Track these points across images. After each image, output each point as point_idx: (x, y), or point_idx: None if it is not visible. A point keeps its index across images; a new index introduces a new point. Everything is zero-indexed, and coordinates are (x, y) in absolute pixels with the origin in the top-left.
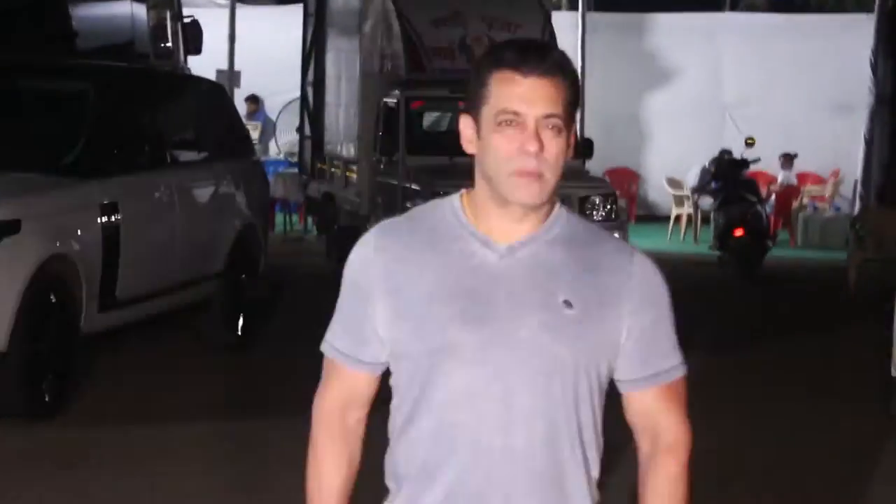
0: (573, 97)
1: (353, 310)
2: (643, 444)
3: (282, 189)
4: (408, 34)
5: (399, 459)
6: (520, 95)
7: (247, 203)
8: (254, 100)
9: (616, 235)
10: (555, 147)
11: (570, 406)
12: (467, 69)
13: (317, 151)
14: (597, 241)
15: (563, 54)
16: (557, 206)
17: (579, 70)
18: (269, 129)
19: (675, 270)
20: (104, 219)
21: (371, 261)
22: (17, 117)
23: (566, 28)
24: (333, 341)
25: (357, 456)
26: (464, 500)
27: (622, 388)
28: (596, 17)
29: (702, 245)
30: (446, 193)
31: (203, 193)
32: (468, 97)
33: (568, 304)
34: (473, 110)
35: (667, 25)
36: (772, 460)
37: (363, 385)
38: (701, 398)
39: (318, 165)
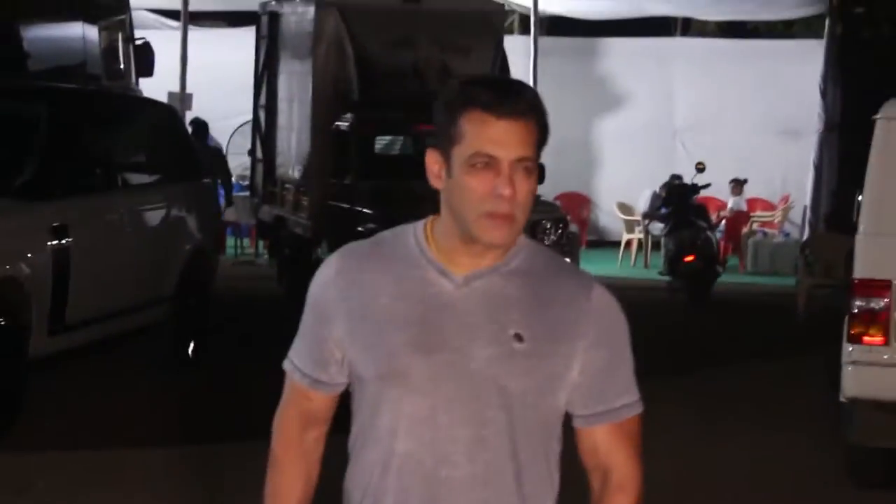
0: (543, 137)
1: (313, 330)
2: (594, 482)
3: (233, 212)
4: (360, 57)
5: (351, 483)
6: (494, 139)
7: (198, 226)
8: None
9: (581, 269)
10: (526, 188)
11: (517, 440)
12: (419, 92)
13: (268, 175)
14: (556, 274)
15: (535, 94)
16: (521, 238)
17: None
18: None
19: (625, 296)
20: (54, 242)
21: (332, 282)
22: None
23: (518, 52)
24: (295, 359)
25: (315, 475)
26: None
27: (575, 423)
28: (548, 41)
29: (652, 270)
30: (398, 217)
31: (154, 216)
32: (437, 132)
33: (518, 337)
34: (443, 147)
35: (618, 50)
36: (721, 485)
37: (321, 405)
38: (649, 423)
39: (270, 189)
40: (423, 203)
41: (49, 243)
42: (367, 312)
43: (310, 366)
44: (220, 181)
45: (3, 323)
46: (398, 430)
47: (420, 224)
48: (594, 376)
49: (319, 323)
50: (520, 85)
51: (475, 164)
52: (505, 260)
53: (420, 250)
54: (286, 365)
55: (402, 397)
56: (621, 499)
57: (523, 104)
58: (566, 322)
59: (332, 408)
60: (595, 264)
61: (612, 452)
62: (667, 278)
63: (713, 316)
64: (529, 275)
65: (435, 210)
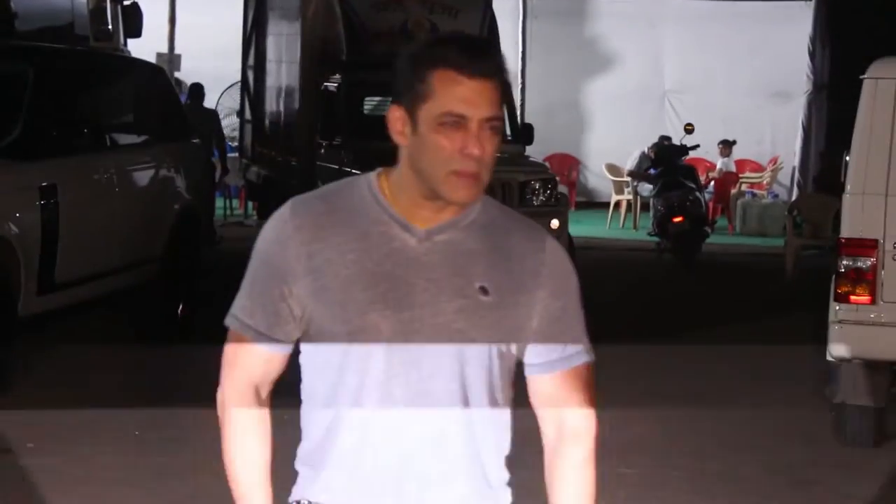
0: (507, 94)
1: (268, 287)
2: (548, 431)
3: (231, 177)
4: (349, 18)
5: (315, 445)
6: (465, 98)
7: (187, 186)
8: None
9: (530, 220)
10: (492, 147)
11: (485, 391)
12: None
13: (257, 135)
14: (512, 227)
15: (500, 54)
16: None
17: (520, 55)
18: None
19: (614, 257)
20: (43, 201)
21: (289, 238)
22: None
23: (507, 13)
24: (244, 318)
25: (270, 430)
26: (382, 487)
27: (528, 372)
28: (537, 2)
29: (641, 231)
30: None
31: (142, 176)
32: (401, 88)
33: (484, 290)
34: (408, 104)
35: (607, 11)
36: (709, 446)
37: (275, 364)
38: (638, 385)
39: (259, 149)
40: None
41: (37, 203)
42: (332, 270)
43: (263, 325)
44: (214, 145)
45: None
46: (369, 386)
47: (370, 178)
48: (549, 325)
49: (276, 279)
50: (487, 44)
51: (445, 122)
52: (463, 213)
53: (378, 204)
54: (231, 323)
55: (372, 354)
56: (577, 448)
57: (492, 64)
58: (526, 273)
59: (283, 367)
60: (584, 225)
61: (565, 400)
62: (655, 239)
63: (701, 277)
64: (487, 228)
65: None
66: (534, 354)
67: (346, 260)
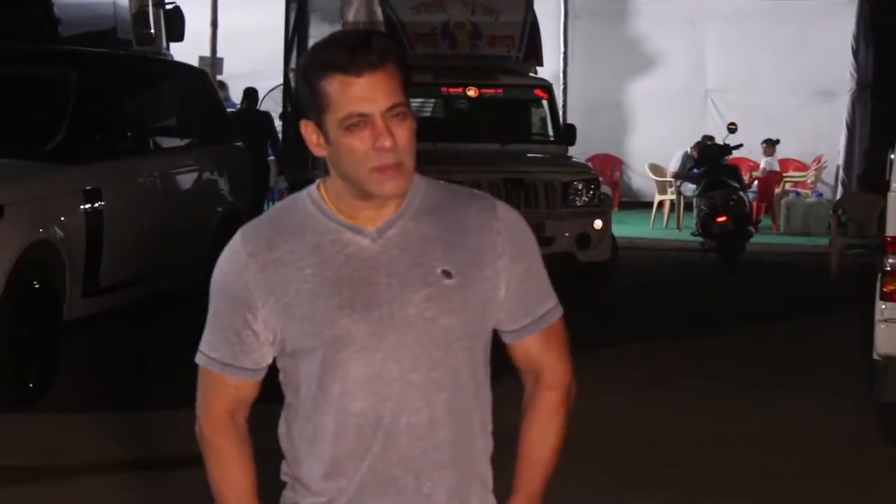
0: (405, 74)
1: (229, 318)
2: (527, 382)
3: (284, 179)
4: (390, 20)
5: (303, 458)
6: (360, 96)
7: (230, 188)
8: (221, 86)
9: (475, 191)
10: (405, 132)
11: (467, 372)
12: (450, 55)
13: (301, 138)
14: (460, 204)
15: (383, 37)
16: (413, 177)
17: (562, 56)
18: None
19: (657, 257)
20: (87, 205)
21: (245, 266)
22: (1, 104)
23: (549, 14)
24: (210, 352)
25: (251, 453)
26: (378, 486)
27: (505, 339)
28: (578, 2)
29: (684, 231)
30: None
31: (186, 179)
32: (304, 103)
33: (447, 273)
34: (315, 116)
35: (649, 11)
36: (753, 446)
37: (248, 391)
38: (682, 384)
39: (301, 152)
40: (451, 163)
41: (82, 206)
42: (294, 287)
43: (229, 355)
44: (270, 146)
45: (37, 286)
46: (351, 391)
47: (311, 191)
48: (517, 290)
49: (237, 309)
50: (367, 35)
51: (349, 125)
52: (407, 202)
53: (324, 215)
54: (200, 360)
55: (349, 359)
56: (551, 395)
57: (375, 54)
58: (483, 246)
59: (257, 391)
60: (627, 226)
61: (542, 356)
62: (699, 239)
63: (745, 277)
64: (436, 210)
65: (466, 168)
66: (508, 322)
67: (305, 275)
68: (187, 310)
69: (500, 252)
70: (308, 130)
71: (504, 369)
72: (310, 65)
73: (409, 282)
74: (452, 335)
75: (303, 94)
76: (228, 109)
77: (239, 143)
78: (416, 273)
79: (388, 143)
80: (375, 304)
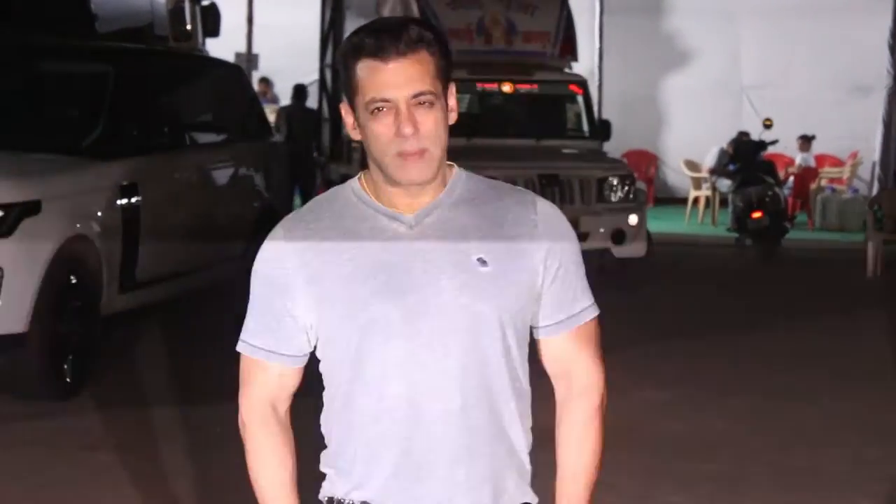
0: (441, 61)
1: (270, 305)
2: (559, 389)
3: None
4: (425, 15)
5: (341, 445)
6: (385, 82)
7: (266, 185)
8: (265, 82)
9: (515, 186)
10: (430, 120)
11: (501, 361)
12: (485, 50)
13: (335, 134)
14: (499, 196)
15: (419, 25)
16: (455, 169)
17: (597, 51)
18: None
19: (693, 253)
20: (124, 200)
21: (284, 253)
22: (38, 99)
23: (583, 9)
24: (251, 340)
25: (293, 444)
26: (412, 471)
27: (537, 335)
28: None
29: (720, 227)
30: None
31: (222, 175)
32: (342, 86)
33: (482, 261)
34: (349, 99)
35: (685, 6)
36: (791, 440)
37: (290, 378)
38: (719, 379)
39: (337, 148)
40: (485, 158)
41: (119, 201)
42: (330, 273)
43: (271, 342)
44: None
45: (74, 281)
46: (385, 377)
47: (354, 180)
48: (553, 286)
49: (277, 296)
50: (402, 22)
51: (373, 109)
52: (447, 191)
53: (363, 202)
54: (242, 347)
55: (384, 344)
56: (584, 401)
57: (405, 41)
58: (521, 238)
59: (299, 379)
60: (663, 221)
61: (574, 358)
62: (735, 235)
63: (781, 272)
64: (474, 201)
65: (500, 164)
66: (542, 317)
67: (342, 260)
68: (224, 305)
69: (538, 246)
70: (345, 112)
71: (543, 368)
72: (346, 48)
73: (444, 269)
74: (486, 323)
75: (342, 78)
76: (274, 105)
77: (275, 139)
78: (452, 260)
79: (408, 129)
80: (410, 289)
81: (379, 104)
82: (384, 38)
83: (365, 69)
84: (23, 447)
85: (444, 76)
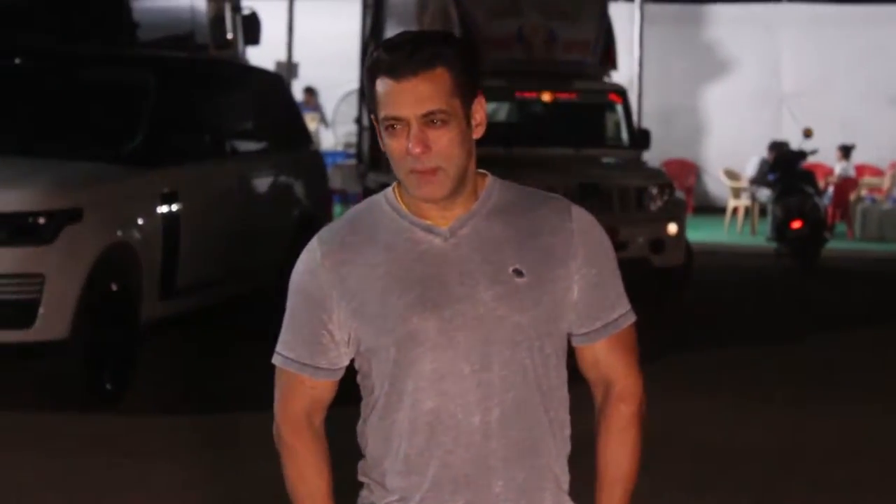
0: (462, 77)
1: (306, 318)
2: (597, 395)
3: (340, 180)
4: (466, 25)
5: (378, 456)
6: (398, 101)
7: (306, 193)
8: (310, 91)
9: (549, 193)
10: (444, 139)
11: (539, 371)
12: (524, 60)
13: (374, 142)
14: (533, 205)
15: (436, 42)
16: (489, 178)
17: (637, 61)
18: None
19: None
20: (164, 208)
21: (320, 267)
22: (79, 107)
23: (623, 19)
24: (287, 353)
25: (328, 455)
26: (450, 484)
27: (574, 342)
28: (653, 7)
29: (759, 237)
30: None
31: (262, 183)
32: (367, 99)
33: (518, 272)
34: (374, 113)
35: (724, 16)
36: (830, 452)
37: (325, 391)
38: (758, 389)
39: (376, 156)
40: (525, 169)
41: (159, 209)
42: (366, 286)
43: (306, 355)
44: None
45: (115, 288)
46: (424, 388)
47: (388, 191)
48: (589, 293)
49: (313, 310)
50: (416, 39)
51: (388, 126)
52: (480, 201)
53: (398, 214)
54: (277, 360)
55: (421, 356)
56: (623, 408)
57: (419, 60)
58: (556, 247)
59: (334, 392)
60: (702, 231)
61: (612, 365)
62: (774, 245)
63: (821, 283)
64: (508, 210)
65: (540, 173)
66: (578, 324)
67: (378, 273)
68: (263, 313)
69: (573, 253)
70: (375, 124)
71: (581, 373)
72: (368, 63)
73: (480, 280)
74: (523, 334)
75: (366, 92)
76: (316, 114)
77: (314, 149)
78: (488, 271)
79: (417, 149)
80: (446, 302)
81: (392, 122)
82: (397, 56)
83: (381, 86)
84: (60, 453)
85: (466, 92)
